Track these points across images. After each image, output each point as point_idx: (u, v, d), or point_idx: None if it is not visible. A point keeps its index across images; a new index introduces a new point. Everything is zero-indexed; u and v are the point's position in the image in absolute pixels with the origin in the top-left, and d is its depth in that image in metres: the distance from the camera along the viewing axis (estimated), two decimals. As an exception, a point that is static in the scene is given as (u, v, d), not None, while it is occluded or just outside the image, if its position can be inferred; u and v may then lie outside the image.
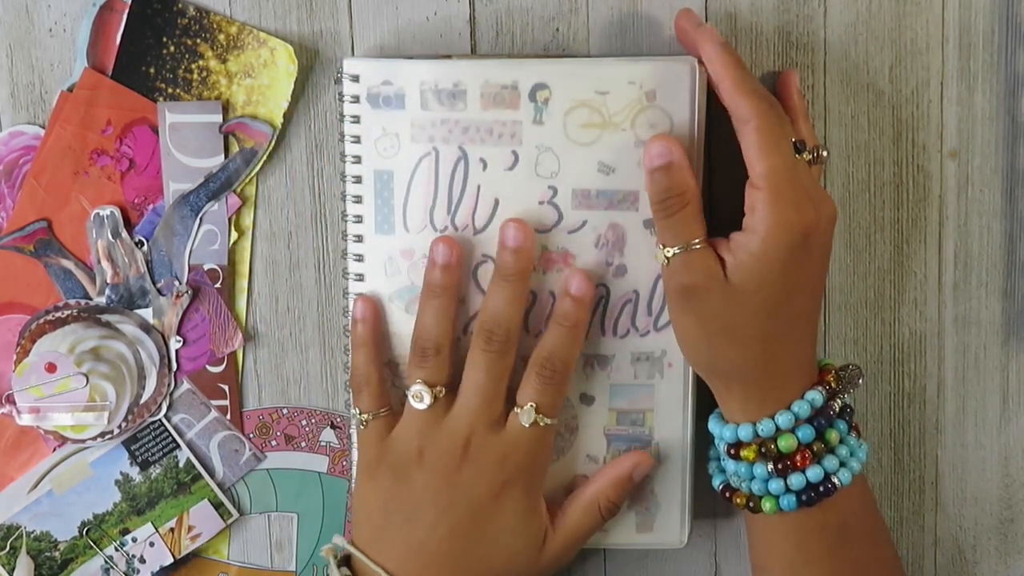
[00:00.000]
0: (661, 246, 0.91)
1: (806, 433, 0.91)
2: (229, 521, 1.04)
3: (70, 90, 0.99)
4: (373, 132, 0.96)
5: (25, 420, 1.00)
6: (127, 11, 0.98)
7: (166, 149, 0.99)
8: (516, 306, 0.94)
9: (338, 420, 1.03)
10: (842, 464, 0.92)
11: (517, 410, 0.94)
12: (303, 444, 1.03)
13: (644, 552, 1.04)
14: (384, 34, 0.98)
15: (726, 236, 0.90)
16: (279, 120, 0.99)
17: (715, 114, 0.93)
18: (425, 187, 0.96)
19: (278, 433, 1.03)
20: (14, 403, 1.00)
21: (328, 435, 1.03)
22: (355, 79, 0.95)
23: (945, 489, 1.03)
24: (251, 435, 1.03)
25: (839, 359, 1.01)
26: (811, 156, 0.91)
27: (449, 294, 0.95)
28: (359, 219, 0.97)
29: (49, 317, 1.00)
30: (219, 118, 0.99)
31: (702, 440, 0.99)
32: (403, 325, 0.97)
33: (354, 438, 0.99)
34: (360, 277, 0.98)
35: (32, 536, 1.03)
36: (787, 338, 0.91)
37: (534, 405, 0.94)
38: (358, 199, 0.97)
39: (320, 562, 1.04)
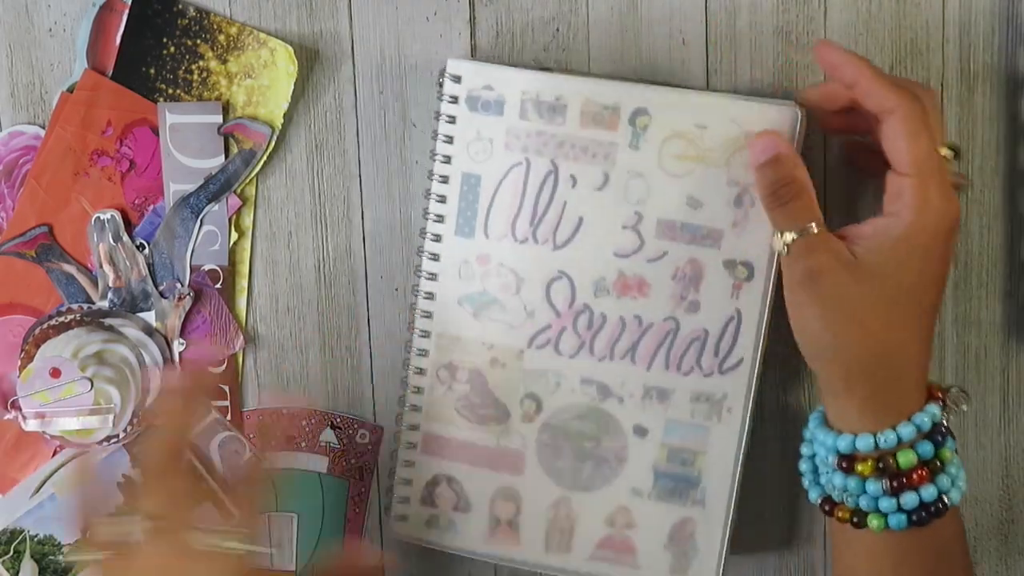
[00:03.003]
0: (779, 233, 0.89)
1: (925, 449, 0.87)
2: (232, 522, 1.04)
3: (70, 90, 0.99)
4: (467, 135, 0.96)
5: (31, 426, 1.00)
6: (127, 12, 0.98)
7: (166, 150, 0.99)
8: None
9: (338, 420, 1.03)
10: (953, 483, 0.89)
11: None
12: (303, 444, 1.03)
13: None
14: (384, 34, 0.98)
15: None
16: (279, 121, 0.99)
17: (812, 163, 0.94)
18: (512, 196, 0.96)
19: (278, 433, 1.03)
20: (19, 409, 1.00)
21: (328, 435, 1.03)
22: (457, 80, 0.96)
23: (945, 489, 1.03)
24: (251, 435, 1.03)
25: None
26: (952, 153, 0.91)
27: None
28: (440, 219, 0.97)
29: (52, 322, 1.00)
30: (219, 119, 0.99)
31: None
32: (469, 330, 0.97)
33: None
34: (433, 276, 0.97)
35: (36, 540, 1.03)
36: (913, 336, 0.88)
37: None
38: (442, 199, 0.97)
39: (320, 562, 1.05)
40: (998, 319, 1.01)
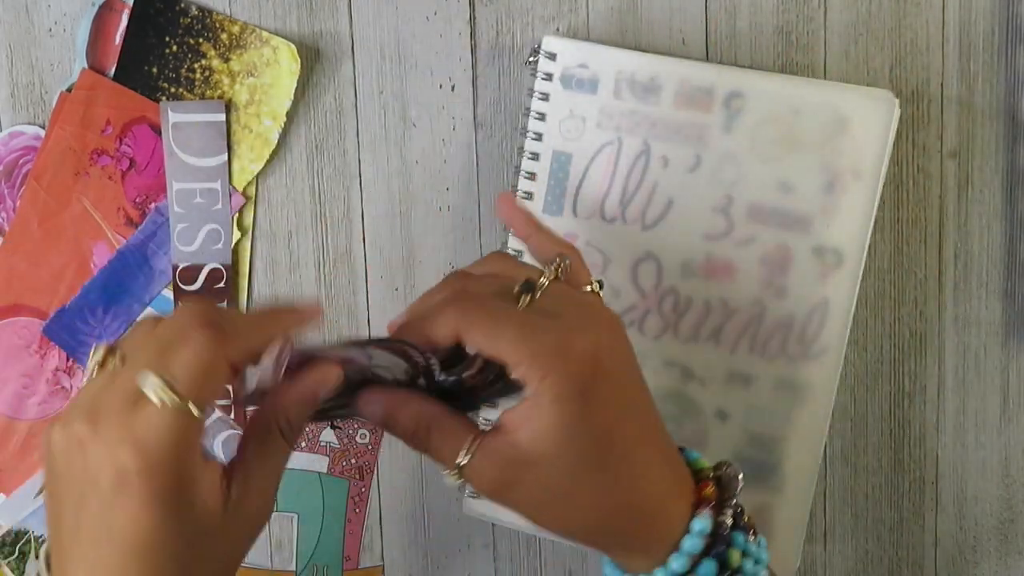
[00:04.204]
0: (446, 471, 0.80)
1: (708, 569, 0.80)
2: (235, 520, 1.04)
3: (69, 90, 0.99)
4: (560, 112, 0.96)
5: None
6: (128, 11, 0.98)
7: (169, 149, 0.99)
8: None
9: (338, 420, 1.03)
10: (755, 565, 0.83)
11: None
12: (303, 444, 1.03)
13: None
14: (384, 34, 0.99)
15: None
16: (282, 118, 0.99)
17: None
18: (602, 175, 0.96)
19: (278, 433, 1.03)
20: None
21: (328, 435, 1.03)
22: (552, 57, 0.96)
23: (945, 489, 1.03)
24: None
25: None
26: (554, 274, 0.82)
27: None
28: (528, 196, 0.97)
29: None
30: (222, 117, 0.99)
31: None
32: None
33: None
34: (519, 254, 0.97)
35: (41, 540, 1.03)
36: (631, 477, 0.80)
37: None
38: (531, 176, 0.97)
39: (320, 562, 1.04)
40: (998, 319, 1.01)
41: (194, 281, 1.01)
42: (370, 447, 1.03)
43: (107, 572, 0.72)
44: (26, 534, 1.03)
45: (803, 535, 0.99)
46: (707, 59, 0.98)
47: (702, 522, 0.80)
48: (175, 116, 0.99)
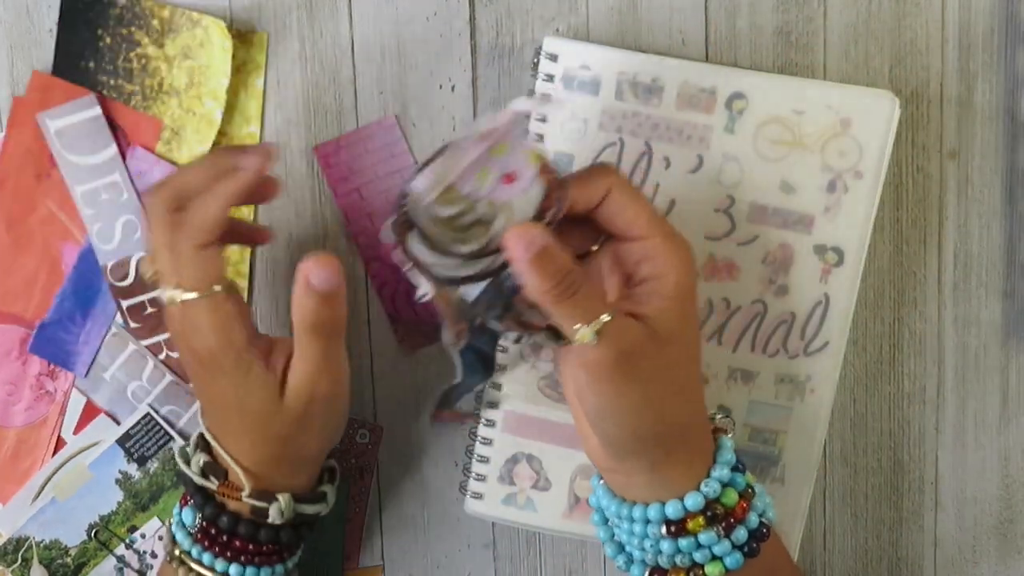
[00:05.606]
0: (577, 328, 0.82)
1: (739, 481, 0.87)
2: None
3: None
4: (561, 114, 0.96)
5: None
6: (58, 6, 0.98)
7: (60, 156, 0.98)
8: None
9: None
10: (764, 502, 0.89)
11: None
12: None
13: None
14: (384, 34, 0.98)
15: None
16: (223, 97, 0.98)
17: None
18: None
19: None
20: None
21: (328, 435, 1.03)
22: (553, 58, 0.96)
23: (945, 489, 1.04)
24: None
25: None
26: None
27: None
28: None
29: None
30: (98, 110, 0.98)
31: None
32: None
33: None
34: None
35: (42, 545, 1.03)
36: (699, 381, 0.88)
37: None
38: None
39: (320, 562, 1.04)
40: (998, 319, 1.01)
41: (126, 277, 1.01)
42: (370, 447, 1.03)
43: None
44: (27, 540, 1.02)
45: (802, 527, 1.00)
46: (707, 59, 0.98)
47: (728, 440, 0.88)
48: (54, 123, 0.98)
